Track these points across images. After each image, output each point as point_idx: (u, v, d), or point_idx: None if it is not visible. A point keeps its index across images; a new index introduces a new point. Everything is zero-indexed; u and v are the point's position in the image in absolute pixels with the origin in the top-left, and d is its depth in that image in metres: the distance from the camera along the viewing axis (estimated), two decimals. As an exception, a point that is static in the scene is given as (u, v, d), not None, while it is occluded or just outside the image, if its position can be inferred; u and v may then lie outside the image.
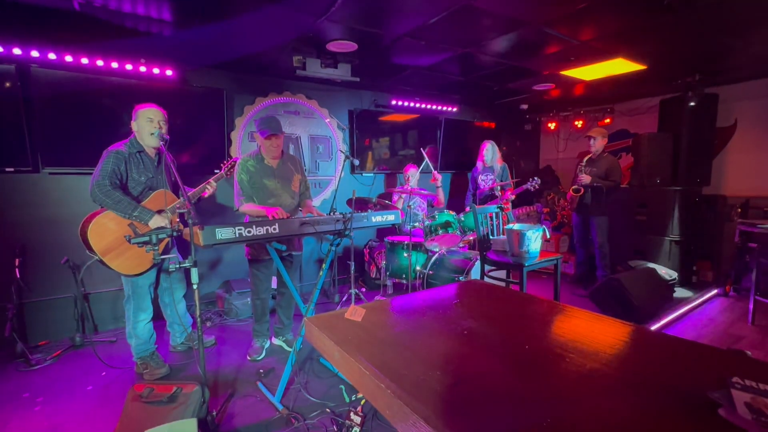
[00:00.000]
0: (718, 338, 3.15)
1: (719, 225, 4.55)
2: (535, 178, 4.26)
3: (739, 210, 4.30)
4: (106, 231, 2.32)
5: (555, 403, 0.85)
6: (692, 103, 4.18)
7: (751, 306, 3.44)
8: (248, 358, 2.81)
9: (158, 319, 2.81)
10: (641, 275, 3.69)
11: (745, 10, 2.56)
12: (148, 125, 2.41)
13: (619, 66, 3.70)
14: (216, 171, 2.76)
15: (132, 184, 2.42)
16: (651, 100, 5.02)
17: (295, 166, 2.86)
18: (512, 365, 1.02)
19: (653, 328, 3.20)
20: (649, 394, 0.88)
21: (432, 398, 0.84)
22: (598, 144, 4.21)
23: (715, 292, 4.16)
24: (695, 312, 3.74)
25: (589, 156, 4.30)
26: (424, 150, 4.60)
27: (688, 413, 0.80)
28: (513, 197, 4.42)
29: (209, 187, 2.63)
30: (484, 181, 4.57)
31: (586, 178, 4.14)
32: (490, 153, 4.50)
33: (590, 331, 1.25)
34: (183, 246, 2.87)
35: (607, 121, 5.46)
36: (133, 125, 2.45)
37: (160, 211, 2.47)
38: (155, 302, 2.71)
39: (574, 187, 4.27)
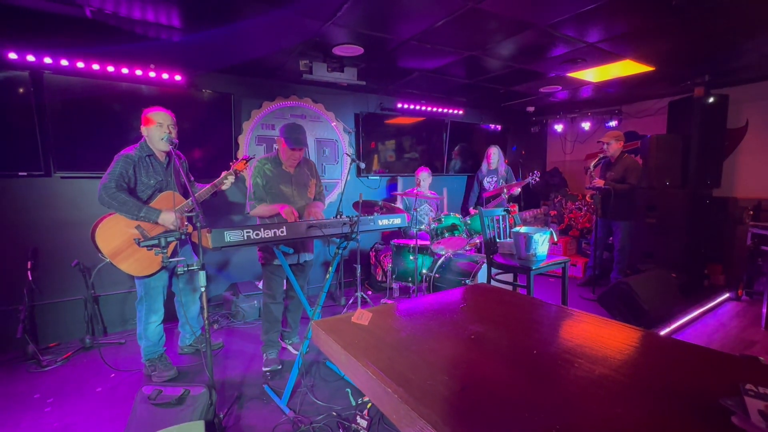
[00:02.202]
0: (730, 343, 3.09)
1: (731, 228, 4.47)
2: (536, 172, 4.39)
3: (751, 212, 4.22)
4: (114, 234, 2.35)
5: (564, 409, 0.84)
6: (702, 105, 4.13)
7: (764, 310, 3.37)
8: (264, 369, 2.67)
9: (170, 320, 2.83)
10: (651, 279, 3.64)
11: (755, 10, 2.53)
12: (158, 130, 2.43)
13: (627, 67, 3.67)
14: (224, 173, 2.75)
15: (141, 188, 2.45)
16: (660, 102, 4.97)
17: (311, 170, 2.84)
18: (520, 370, 1.01)
19: (663, 332, 3.15)
20: (660, 400, 0.87)
21: (439, 403, 0.84)
22: (612, 148, 4.18)
23: (726, 296, 4.09)
24: (706, 316, 3.68)
25: (599, 159, 4.31)
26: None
27: (700, 421, 0.79)
28: (518, 191, 4.59)
29: (224, 183, 2.56)
30: (489, 183, 4.76)
31: (598, 182, 4.14)
32: (497, 157, 4.71)
33: (599, 336, 1.24)
34: (196, 246, 2.89)
35: (613, 123, 5.40)
36: (143, 129, 2.47)
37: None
38: (169, 303, 2.73)
39: (590, 193, 4.27)
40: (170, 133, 2.45)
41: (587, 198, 4.35)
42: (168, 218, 2.41)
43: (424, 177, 4.30)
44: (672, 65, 3.66)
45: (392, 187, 5.09)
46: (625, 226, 4.16)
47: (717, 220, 4.50)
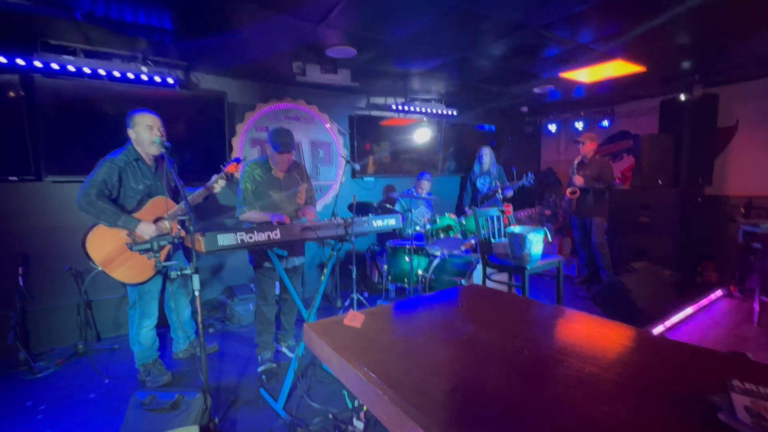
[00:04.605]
0: (723, 340, 3.12)
1: (723, 225, 4.52)
2: (530, 173, 4.45)
3: (743, 210, 4.27)
4: (105, 241, 2.31)
5: (554, 409, 0.84)
6: (693, 104, 4.18)
7: (756, 307, 3.41)
8: (259, 370, 2.71)
9: (163, 325, 2.81)
10: (644, 277, 3.67)
11: (744, 11, 2.56)
12: (148, 133, 2.39)
13: (619, 68, 3.70)
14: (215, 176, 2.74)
15: (130, 193, 2.40)
16: (651, 101, 5.01)
17: (301, 175, 2.83)
18: (512, 371, 1.02)
19: (657, 330, 3.17)
20: (649, 398, 0.87)
21: (430, 405, 0.84)
22: (586, 148, 4.33)
23: (719, 293, 4.12)
24: (700, 313, 3.71)
25: (580, 159, 4.44)
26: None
27: (687, 418, 0.79)
28: (511, 194, 4.65)
29: (216, 186, 2.55)
30: (483, 184, 4.80)
31: (578, 180, 4.27)
32: (488, 158, 4.76)
33: (590, 335, 1.25)
34: (189, 250, 2.87)
35: (605, 123, 5.44)
36: (131, 132, 2.42)
37: (159, 219, 2.47)
38: (161, 308, 2.71)
39: (569, 189, 4.35)
40: (162, 136, 2.42)
41: (566, 196, 4.43)
42: (146, 230, 2.33)
43: (426, 179, 4.39)
44: (663, 65, 3.70)
45: (388, 188, 5.10)
46: (597, 223, 4.28)
47: (709, 217, 4.54)
